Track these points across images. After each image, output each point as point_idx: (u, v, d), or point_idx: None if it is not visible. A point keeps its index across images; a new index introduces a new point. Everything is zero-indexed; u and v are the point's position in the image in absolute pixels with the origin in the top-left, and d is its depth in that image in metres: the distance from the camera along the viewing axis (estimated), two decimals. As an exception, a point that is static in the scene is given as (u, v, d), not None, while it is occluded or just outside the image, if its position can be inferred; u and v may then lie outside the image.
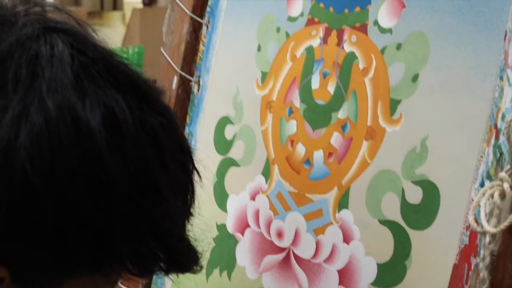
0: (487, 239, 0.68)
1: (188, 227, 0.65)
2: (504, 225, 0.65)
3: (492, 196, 0.67)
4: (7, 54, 0.55)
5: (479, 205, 0.68)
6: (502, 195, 0.67)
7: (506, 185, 0.67)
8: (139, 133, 0.56)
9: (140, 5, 5.56)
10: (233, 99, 1.02)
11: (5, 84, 0.53)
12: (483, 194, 0.68)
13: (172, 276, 1.08)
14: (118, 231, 0.56)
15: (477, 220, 0.68)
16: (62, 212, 0.54)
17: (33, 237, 0.54)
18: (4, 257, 0.55)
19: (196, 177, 0.65)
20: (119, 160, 0.55)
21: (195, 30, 1.10)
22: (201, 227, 0.68)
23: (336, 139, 0.87)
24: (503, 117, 0.71)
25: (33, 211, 0.53)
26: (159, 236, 0.59)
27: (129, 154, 0.55)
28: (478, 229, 0.67)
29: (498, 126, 0.71)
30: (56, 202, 0.53)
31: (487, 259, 0.68)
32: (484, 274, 0.68)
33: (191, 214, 0.65)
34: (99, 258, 0.58)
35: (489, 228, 0.66)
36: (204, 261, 1.02)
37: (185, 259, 0.65)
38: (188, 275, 1.06)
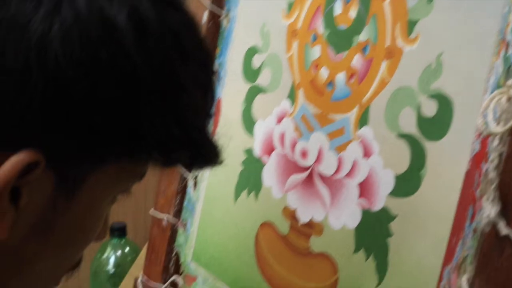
0: (496, 141, 0.73)
1: (208, 127, 0.70)
2: (509, 125, 0.69)
3: (499, 101, 0.72)
4: None
5: (487, 110, 0.72)
6: (509, 100, 0.72)
7: (512, 91, 0.72)
8: (161, 29, 0.62)
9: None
10: (261, 29, 1.07)
11: None
12: (491, 100, 0.72)
13: (204, 199, 1.14)
14: (143, 118, 0.61)
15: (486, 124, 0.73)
16: (92, 101, 0.59)
17: (66, 125, 0.59)
18: (39, 143, 0.59)
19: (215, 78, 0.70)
20: (143, 53, 0.60)
21: (224, -35, 1.15)
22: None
23: (357, 60, 0.92)
24: (512, 30, 0.75)
25: (66, 100, 0.58)
26: (181, 125, 0.64)
27: (152, 47, 0.61)
28: (485, 131, 0.72)
29: (507, 39, 0.76)
30: (86, 91, 0.58)
31: (496, 161, 0.73)
32: (492, 175, 0.73)
33: (210, 115, 0.71)
34: (127, 145, 0.63)
35: (496, 128, 0.70)
36: (232, 185, 1.09)
37: (206, 150, 0.70)
38: (217, 200, 1.12)
